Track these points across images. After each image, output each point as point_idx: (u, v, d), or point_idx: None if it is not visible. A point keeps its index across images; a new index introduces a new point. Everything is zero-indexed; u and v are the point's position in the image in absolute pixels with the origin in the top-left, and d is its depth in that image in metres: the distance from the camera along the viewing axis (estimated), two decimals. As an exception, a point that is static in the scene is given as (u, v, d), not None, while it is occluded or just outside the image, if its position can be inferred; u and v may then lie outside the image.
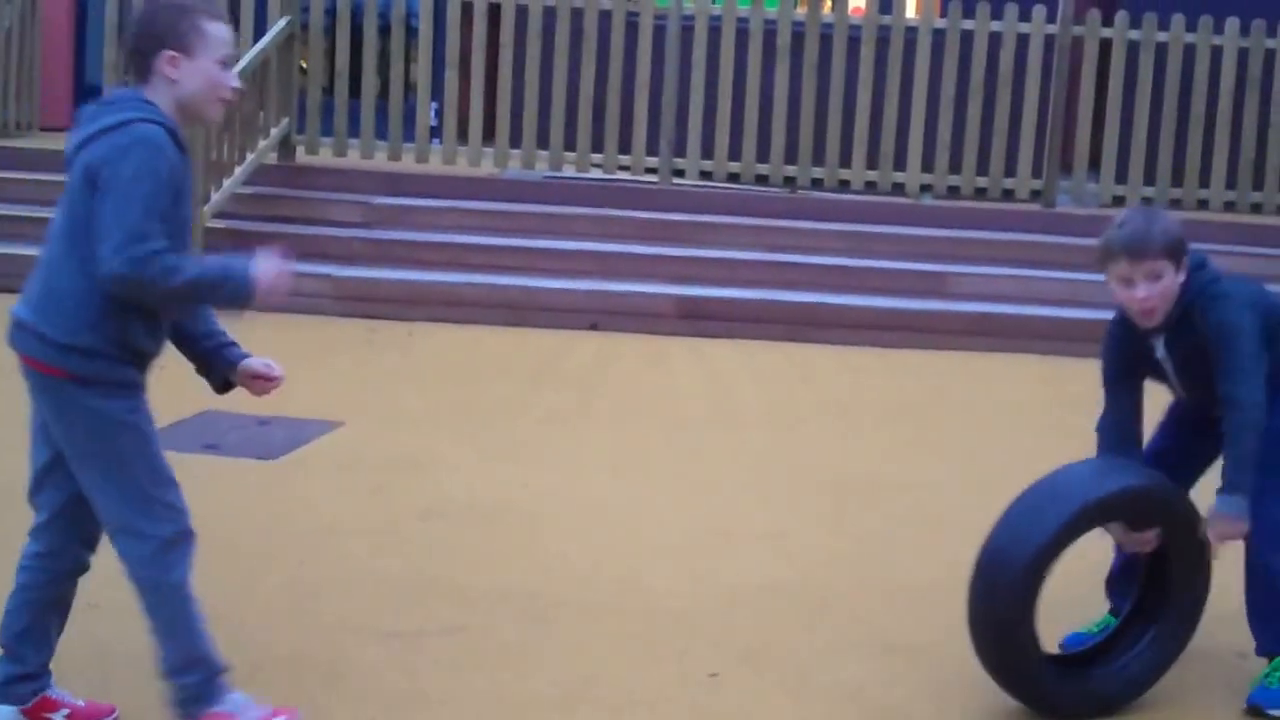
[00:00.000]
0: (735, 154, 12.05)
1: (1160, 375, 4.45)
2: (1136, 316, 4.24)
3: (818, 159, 12.06)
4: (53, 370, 3.51)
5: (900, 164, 12.02)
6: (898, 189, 11.99)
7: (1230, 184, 11.97)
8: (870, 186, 12.00)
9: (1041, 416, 8.01)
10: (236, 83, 3.71)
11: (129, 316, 3.51)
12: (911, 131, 11.90)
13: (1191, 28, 11.80)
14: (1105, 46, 11.83)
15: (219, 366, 3.85)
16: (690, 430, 7.39)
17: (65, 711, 3.77)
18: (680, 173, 12.03)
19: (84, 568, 3.77)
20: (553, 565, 5.27)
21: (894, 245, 11.02)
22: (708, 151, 12.00)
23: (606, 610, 4.85)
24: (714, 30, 11.90)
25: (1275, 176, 11.93)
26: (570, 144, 11.99)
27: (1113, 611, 4.63)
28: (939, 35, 11.86)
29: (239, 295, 3.53)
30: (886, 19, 11.85)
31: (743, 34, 11.90)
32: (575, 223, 11.07)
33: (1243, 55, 11.82)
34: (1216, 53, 11.82)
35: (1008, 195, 11.92)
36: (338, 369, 8.40)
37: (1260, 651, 4.43)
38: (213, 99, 3.63)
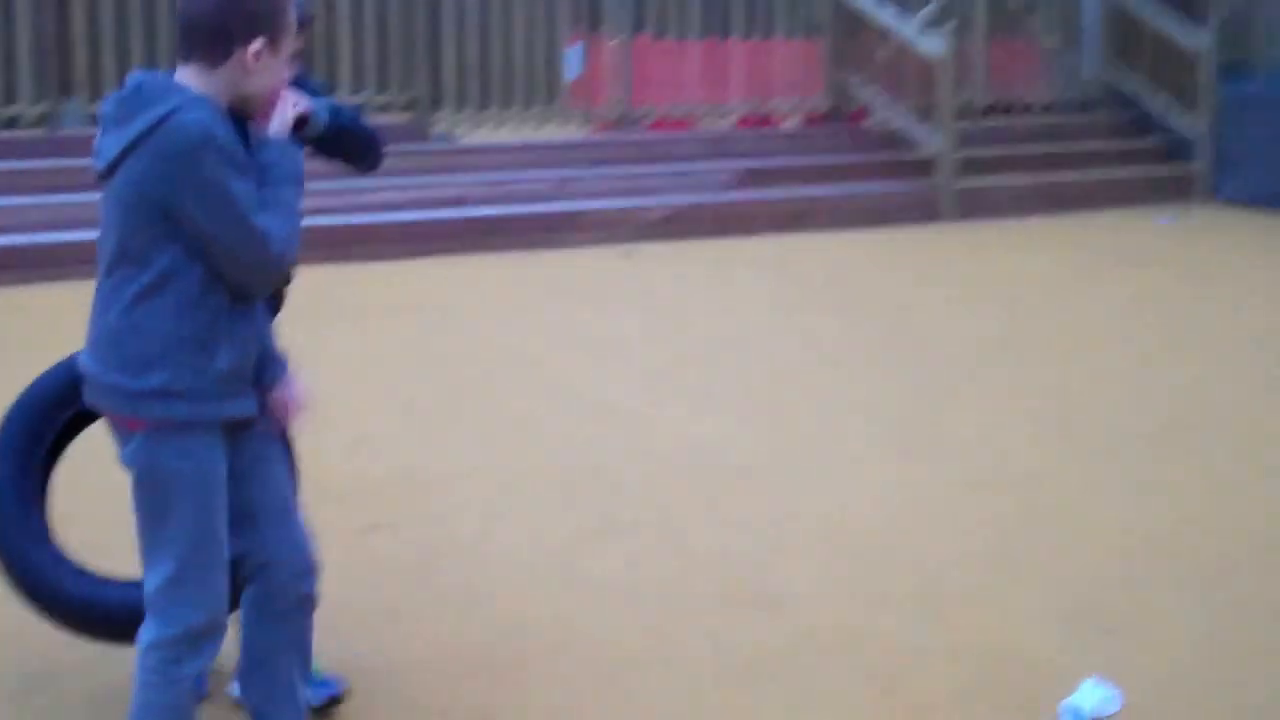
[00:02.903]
0: None
1: None
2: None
3: None
4: (131, 423, 3.06)
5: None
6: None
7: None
8: None
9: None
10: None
11: (212, 335, 3.05)
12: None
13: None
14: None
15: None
16: None
17: None
18: None
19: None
20: None
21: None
22: None
23: None
24: None
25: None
26: None
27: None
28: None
29: (299, 165, 3.16)
30: None
31: None
32: None
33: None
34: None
35: (12, 123, 11.51)
36: None
37: None
38: (269, 103, 3.08)
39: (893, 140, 12.82)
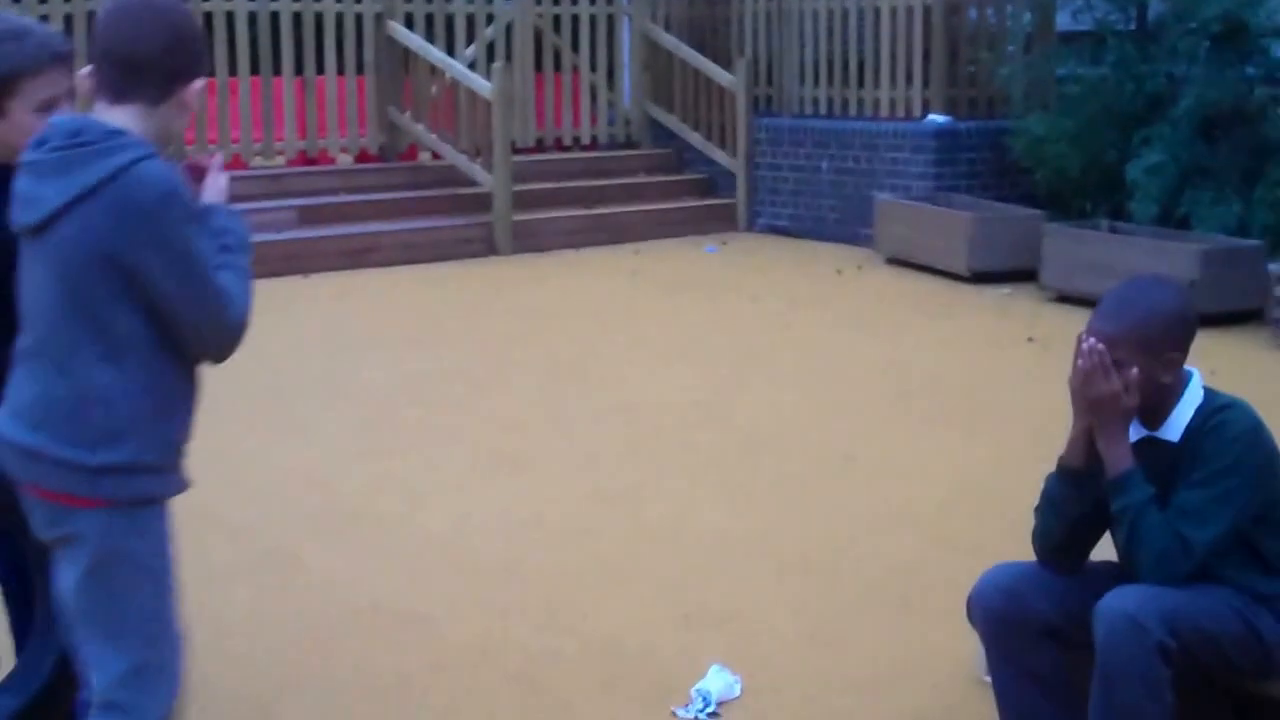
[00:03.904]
0: None
1: None
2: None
3: None
4: (87, 502, 2.79)
5: None
6: None
7: None
8: None
9: None
10: None
11: (171, 403, 2.91)
12: None
13: None
14: None
15: None
16: None
17: None
18: None
19: None
20: None
21: None
22: None
23: None
24: None
25: None
26: None
27: None
28: None
29: (247, 232, 3.03)
30: None
31: None
32: None
33: None
34: None
35: None
36: None
37: None
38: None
39: (448, 176, 13.07)
